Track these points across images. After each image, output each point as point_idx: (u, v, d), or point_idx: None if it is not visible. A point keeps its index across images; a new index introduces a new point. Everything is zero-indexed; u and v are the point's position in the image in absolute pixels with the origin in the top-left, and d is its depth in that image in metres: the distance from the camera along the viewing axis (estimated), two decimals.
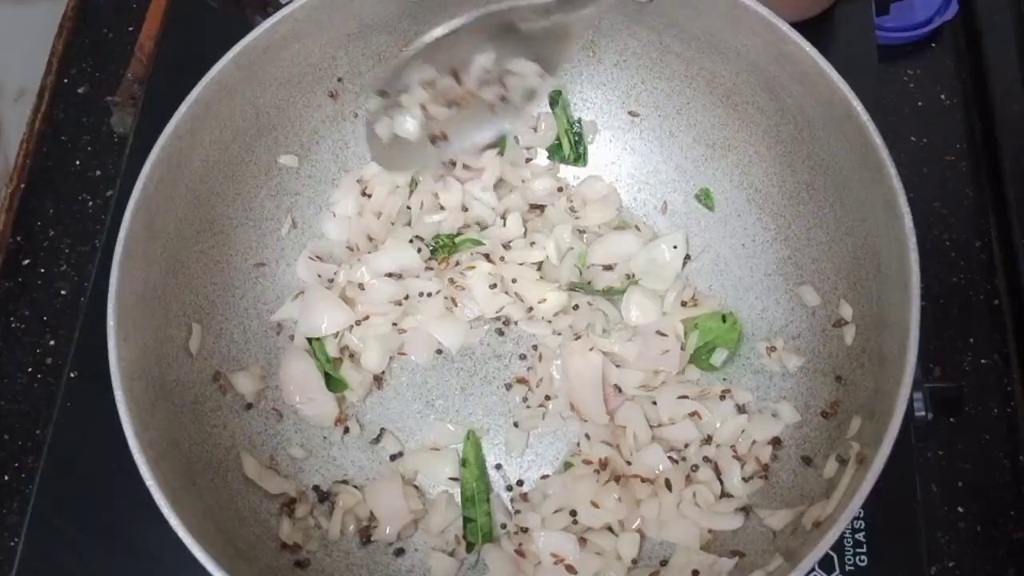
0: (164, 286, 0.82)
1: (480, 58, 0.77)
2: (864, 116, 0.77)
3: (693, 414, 0.85)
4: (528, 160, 0.99)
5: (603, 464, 0.85)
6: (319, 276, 0.93)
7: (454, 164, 0.96)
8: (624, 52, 0.93)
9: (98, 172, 1.11)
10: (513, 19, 0.77)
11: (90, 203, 1.10)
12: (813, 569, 0.77)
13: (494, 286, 0.91)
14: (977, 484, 0.93)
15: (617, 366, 0.89)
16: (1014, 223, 1.01)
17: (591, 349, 0.88)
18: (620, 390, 0.88)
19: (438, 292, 0.91)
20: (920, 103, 1.11)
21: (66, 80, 1.17)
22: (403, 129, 0.78)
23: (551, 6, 0.75)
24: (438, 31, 0.76)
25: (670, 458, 0.84)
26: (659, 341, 0.89)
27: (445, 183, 0.95)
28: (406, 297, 0.92)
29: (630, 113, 0.97)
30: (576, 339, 0.89)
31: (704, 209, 0.95)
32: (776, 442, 0.84)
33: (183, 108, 0.81)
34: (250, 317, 0.91)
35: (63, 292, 1.06)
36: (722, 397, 0.87)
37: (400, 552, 0.84)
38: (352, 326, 0.91)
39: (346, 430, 0.89)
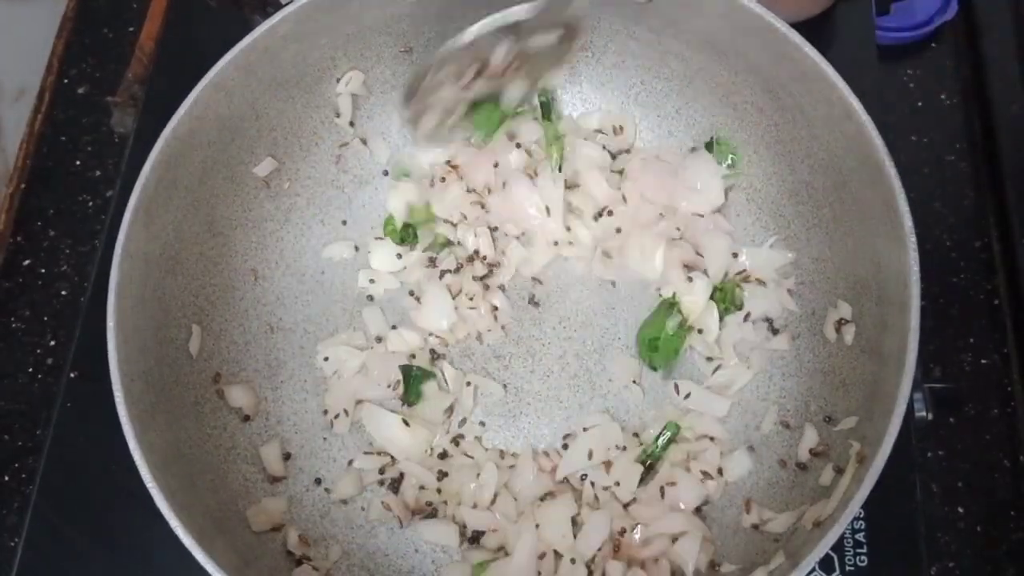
0: (163, 287, 0.82)
1: (500, 48, 0.79)
2: (864, 116, 0.77)
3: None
4: None
5: None
6: None
7: None
8: (624, 52, 0.93)
9: (98, 172, 1.11)
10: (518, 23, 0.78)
11: (90, 203, 1.10)
12: (813, 569, 0.77)
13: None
14: (977, 484, 0.93)
15: None
16: (1014, 223, 1.01)
17: None
18: None
19: None
20: (920, 103, 1.11)
21: (66, 80, 1.17)
22: (443, 100, 0.81)
23: (542, 6, 0.76)
24: (449, 45, 0.77)
25: None
26: None
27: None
28: None
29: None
30: None
31: None
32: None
33: (182, 109, 0.81)
34: (250, 319, 0.90)
35: (63, 292, 1.06)
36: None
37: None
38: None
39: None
